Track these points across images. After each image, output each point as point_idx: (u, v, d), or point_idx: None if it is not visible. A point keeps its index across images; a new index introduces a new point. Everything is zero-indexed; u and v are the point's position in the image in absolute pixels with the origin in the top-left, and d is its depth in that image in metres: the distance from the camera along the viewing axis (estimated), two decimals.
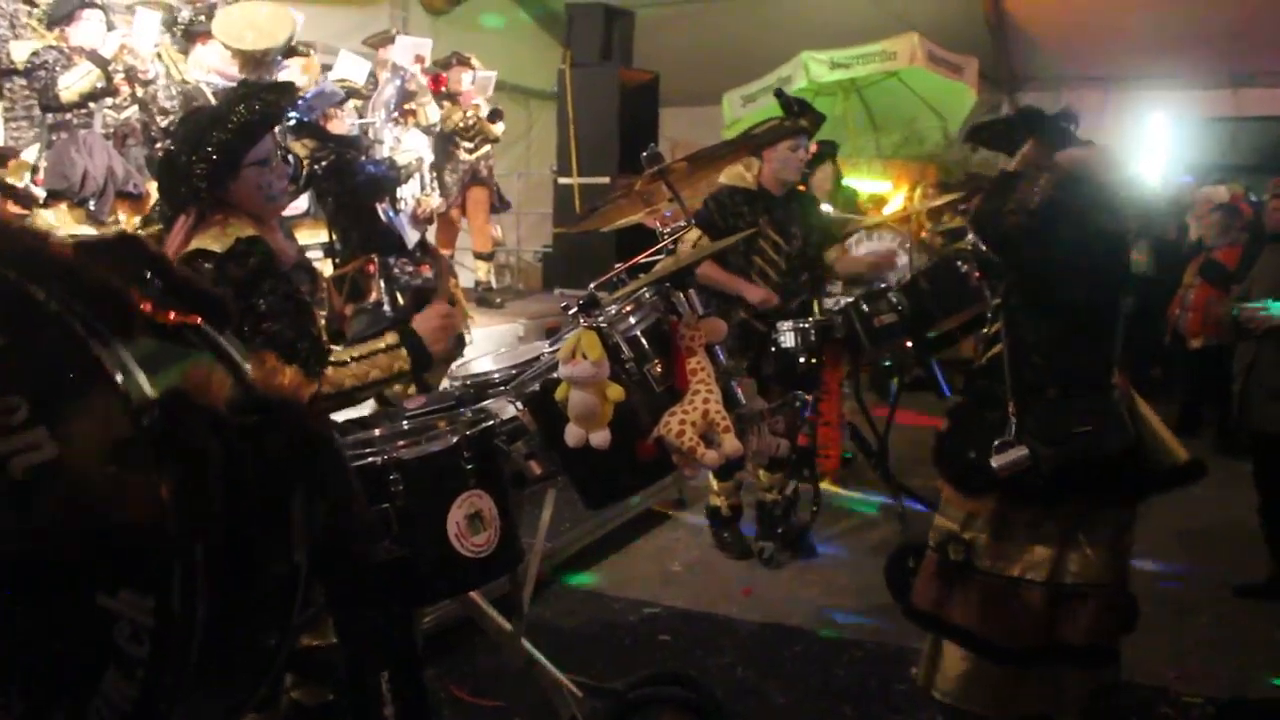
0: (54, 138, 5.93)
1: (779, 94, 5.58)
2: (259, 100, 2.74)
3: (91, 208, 5.87)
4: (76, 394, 1.55)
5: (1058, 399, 3.13)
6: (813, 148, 6.73)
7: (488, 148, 8.59)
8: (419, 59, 7.86)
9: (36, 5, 6.15)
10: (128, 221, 5.99)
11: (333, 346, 2.84)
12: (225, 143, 2.67)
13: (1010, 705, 3.24)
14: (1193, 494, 6.55)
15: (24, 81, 5.99)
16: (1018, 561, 3.19)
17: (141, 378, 1.55)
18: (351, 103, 7.19)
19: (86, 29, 6.01)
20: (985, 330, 3.49)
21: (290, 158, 5.85)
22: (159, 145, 6.10)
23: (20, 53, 5.94)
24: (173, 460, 1.53)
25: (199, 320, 1.73)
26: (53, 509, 1.57)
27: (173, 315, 1.67)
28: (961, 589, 3.26)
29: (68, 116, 5.94)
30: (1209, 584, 5.17)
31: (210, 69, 6.37)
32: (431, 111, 8.01)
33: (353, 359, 2.69)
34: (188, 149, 2.69)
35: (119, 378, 1.54)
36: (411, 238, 6.12)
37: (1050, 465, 3.06)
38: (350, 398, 2.71)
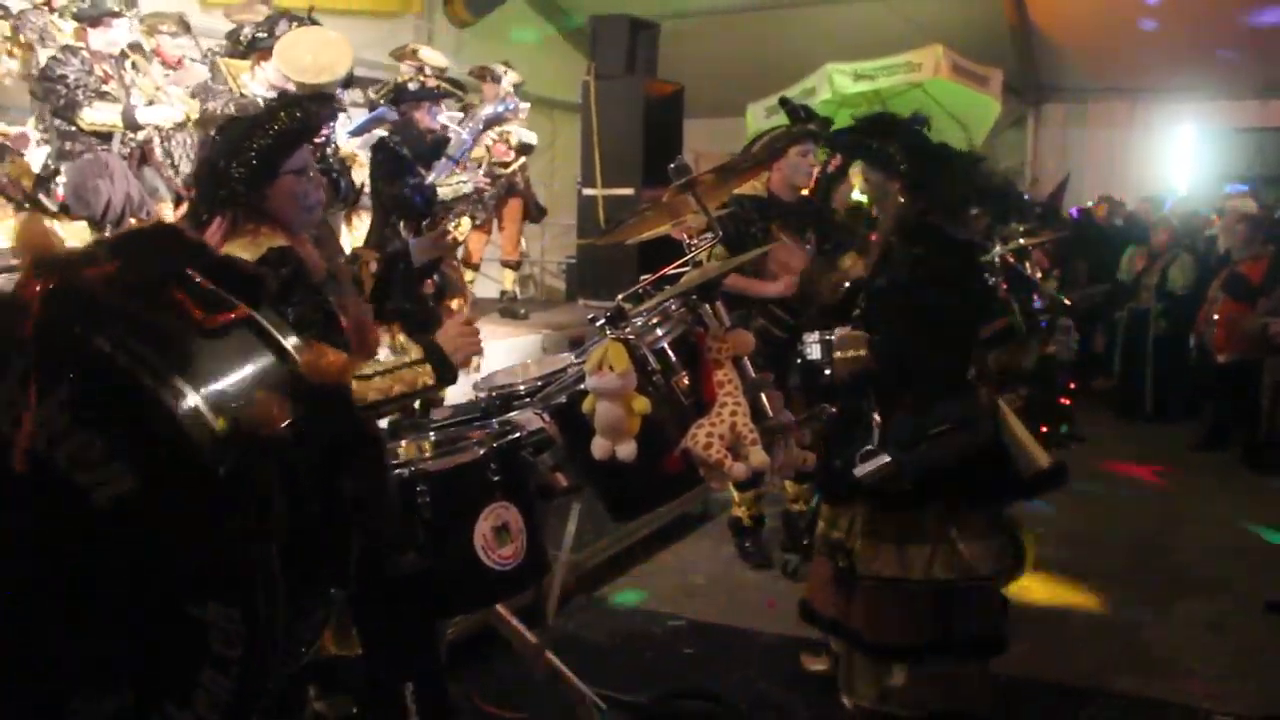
0: (66, 146, 5.98)
1: (783, 102, 5.59)
2: (301, 109, 2.77)
3: (108, 233, 5.93)
4: (147, 433, 1.65)
5: (916, 404, 3.23)
6: (836, 161, 6.72)
7: (523, 159, 8.64)
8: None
9: (55, 10, 6.21)
10: None
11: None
12: (265, 148, 2.69)
13: (919, 704, 3.38)
14: (1220, 509, 6.53)
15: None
16: (893, 563, 3.31)
17: (207, 412, 1.65)
18: (448, 103, 7.17)
19: (110, 35, 6.06)
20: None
21: (341, 181, 5.89)
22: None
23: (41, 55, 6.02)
24: (241, 490, 1.63)
25: (245, 312, 1.79)
26: (135, 534, 1.68)
27: (222, 318, 1.74)
28: (852, 595, 3.41)
29: (69, 128, 6.01)
30: (1239, 600, 5.12)
31: (270, 85, 6.40)
32: (525, 134, 8.18)
33: (377, 373, 2.68)
34: (228, 153, 2.71)
35: (185, 416, 1.65)
36: (419, 258, 6.11)
37: (912, 470, 3.16)
38: (374, 411, 2.71)
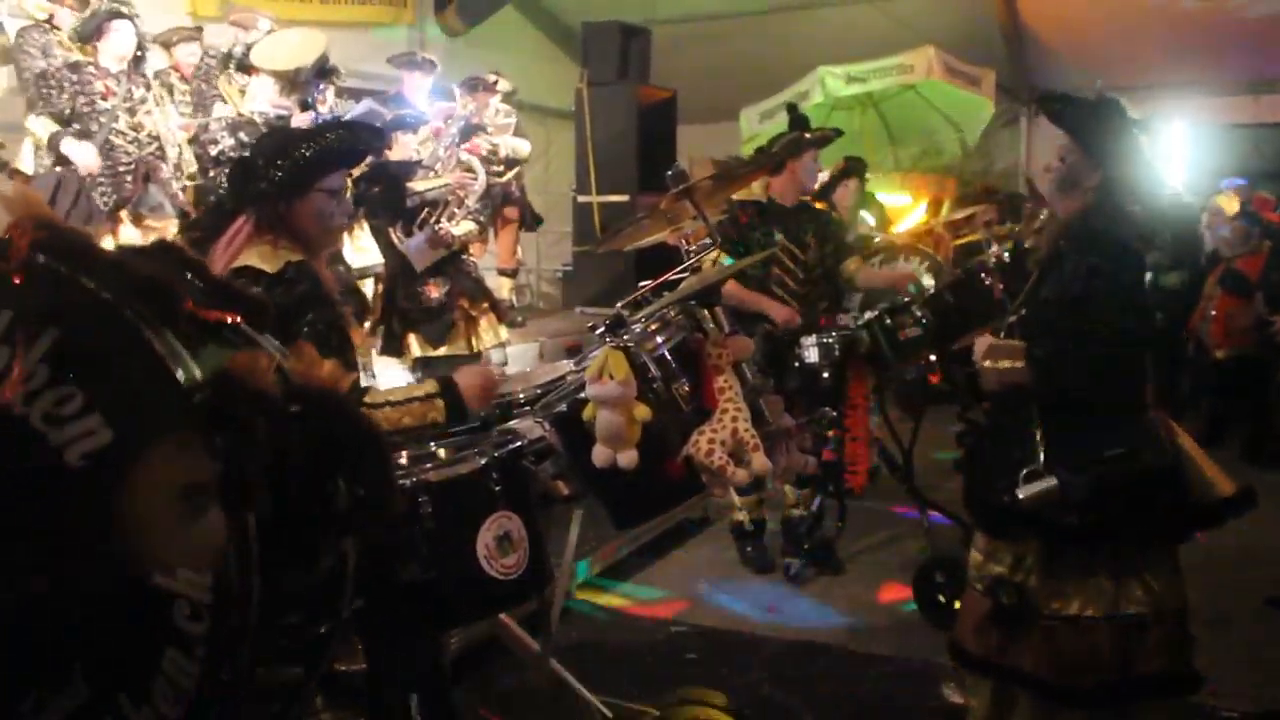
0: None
1: (790, 108, 5.62)
2: (352, 134, 2.81)
3: None
4: (128, 378, 1.62)
5: (1088, 425, 2.99)
6: (839, 165, 6.77)
7: (518, 168, 8.64)
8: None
9: (58, 29, 6.22)
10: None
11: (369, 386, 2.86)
12: (308, 159, 2.71)
13: None
14: None
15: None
16: (1075, 599, 3.03)
17: (189, 361, 1.60)
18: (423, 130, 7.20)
19: (117, 41, 6.08)
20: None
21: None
22: (212, 173, 6.19)
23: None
24: (222, 436, 1.57)
25: (238, 319, 1.77)
26: (109, 493, 1.62)
27: (214, 314, 1.72)
28: (1023, 635, 3.08)
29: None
30: (1241, 597, 5.11)
31: (265, 101, 6.43)
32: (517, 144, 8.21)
33: (388, 402, 2.68)
34: (270, 154, 2.72)
35: (169, 360, 1.59)
36: (420, 261, 6.15)
37: (1081, 493, 2.92)
38: None
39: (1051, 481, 2.93)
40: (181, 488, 1.57)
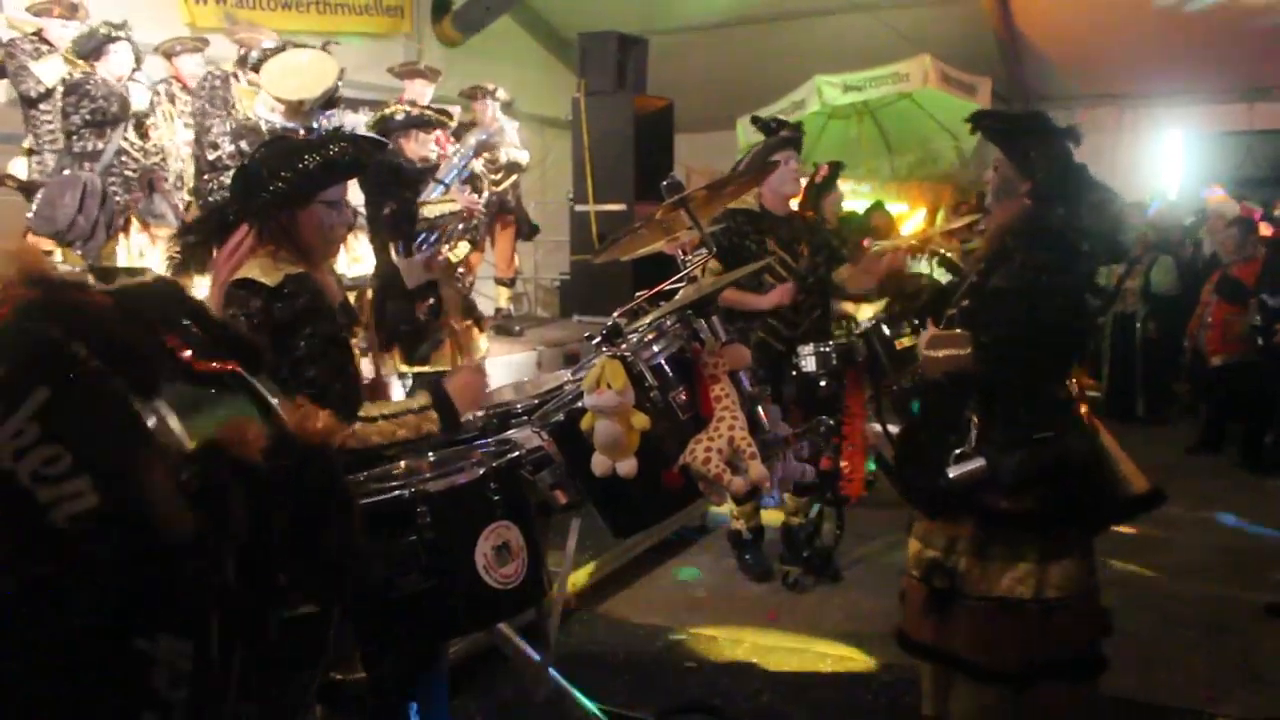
0: (65, 163, 6.07)
1: (754, 120, 5.65)
2: (355, 146, 2.82)
3: (78, 251, 6.01)
4: (117, 445, 1.60)
5: (1021, 411, 3.14)
6: (823, 171, 6.76)
7: (515, 177, 8.67)
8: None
9: (50, 44, 6.27)
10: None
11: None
12: (307, 171, 2.72)
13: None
14: (1218, 511, 6.54)
15: (48, 114, 6.14)
16: (1003, 581, 3.16)
17: (178, 428, 1.60)
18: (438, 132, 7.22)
19: (115, 62, 6.17)
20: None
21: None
22: (205, 176, 6.22)
23: (48, 75, 6.09)
24: (208, 508, 1.57)
25: (235, 366, 1.77)
26: (93, 555, 1.61)
27: (211, 365, 1.72)
28: (955, 618, 3.23)
29: (87, 146, 6.07)
30: (1239, 602, 5.13)
31: (273, 108, 6.45)
32: (515, 153, 8.21)
33: (382, 416, 2.70)
34: (273, 164, 2.73)
35: (157, 430, 1.59)
36: (413, 281, 6.15)
37: (1008, 474, 3.06)
38: (376, 454, 2.72)
39: (980, 462, 3.07)
40: (162, 554, 1.58)
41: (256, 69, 6.56)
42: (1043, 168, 3.19)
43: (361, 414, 2.68)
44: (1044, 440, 3.08)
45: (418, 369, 5.94)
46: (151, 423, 1.59)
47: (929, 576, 3.25)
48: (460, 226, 6.40)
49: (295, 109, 6.26)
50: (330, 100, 6.67)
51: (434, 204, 6.30)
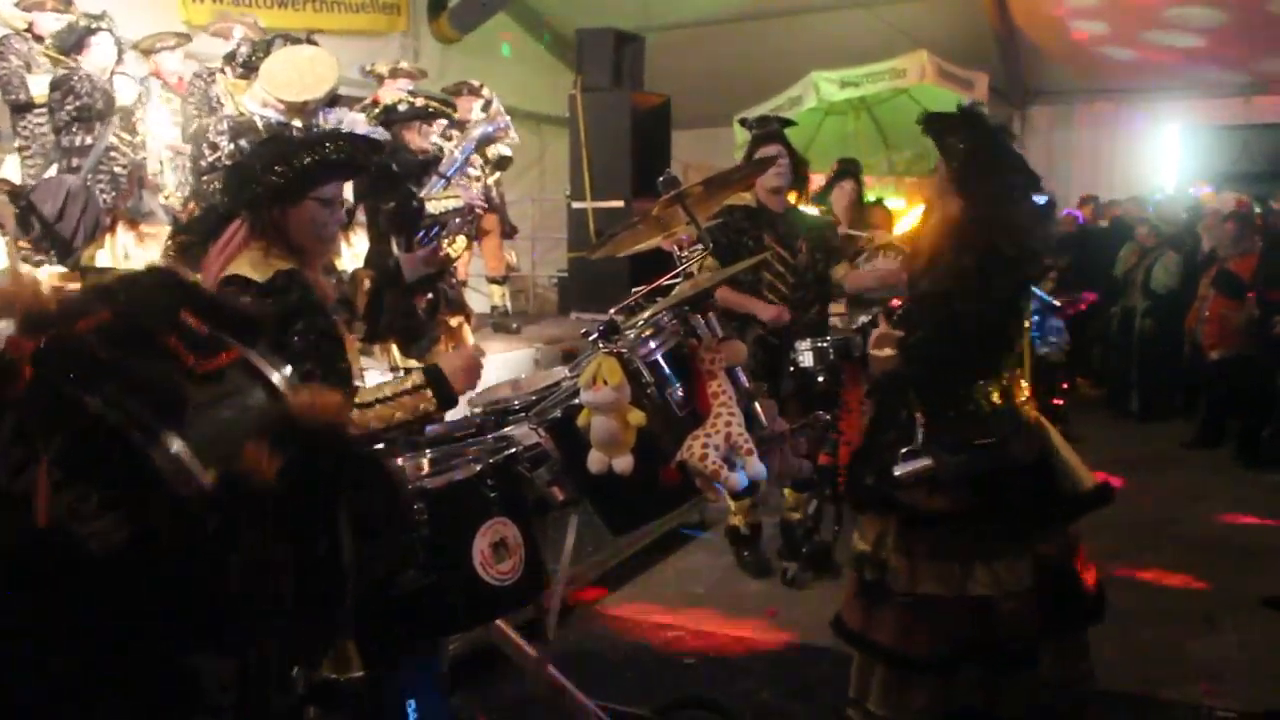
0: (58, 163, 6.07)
1: (742, 121, 5.66)
2: (353, 146, 2.81)
3: (54, 261, 6.03)
4: (138, 486, 1.65)
5: (962, 414, 3.19)
6: (833, 166, 6.76)
7: (499, 173, 8.64)
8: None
9: (42, 40, 6.25)
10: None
11: (357, 384, 2.86)
12: (303, 168, 2.71)
13: (944, 708, 3.32)
14: (1216, 505, 6.54)
15: (40, 119, 6.13)
16: (926, 579, 3.23)
17: (195, 465, 1.64)
18: (441, 122, 7.21)
19: (98, 54, 6.15)
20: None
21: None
22: (205, 178, 6.22)
23: (39, 88, 6.07)
24: (235, 539, 1.62)
25: (238, 354, 1.79)
26: (127, 585, 1.67)
27: (215, 363, 1.74)
28: (880, 609, 3.32)
29: (75, 141, 6.06)
30: (1236, 596, 5.13)
31: (266, 103, 6.44)
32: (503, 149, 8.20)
33: (377, 400, 2.69)
34: (267, 159, 2.73)
35: (173, 471, 1.64)
36: (411, 274, 6.12)
37: (952, 473, 3.12)
38: (375, 439, 2.72)
39: (927, 461, 3.14)
40: (197, 582, 1.62)
41: (245, 66, 6.53)
42: (959, 161, 3.25)
43: (357, 400, 2.68)
44: (985, 445, 3.15)
45: (414, 364, 5.93)
46: (169, 464, 1.64)
47: (859, 567, 3.37)
48: (458, 221, 6.40)
49: (298, 109, 6.25)
50: (333, 100, 6.66)
51: (438, 199, 6.30)
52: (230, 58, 6.80)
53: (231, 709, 1.66)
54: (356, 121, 6.60)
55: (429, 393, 2.72)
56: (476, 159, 8.14)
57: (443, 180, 6.39)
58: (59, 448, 1.63)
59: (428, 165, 6.35)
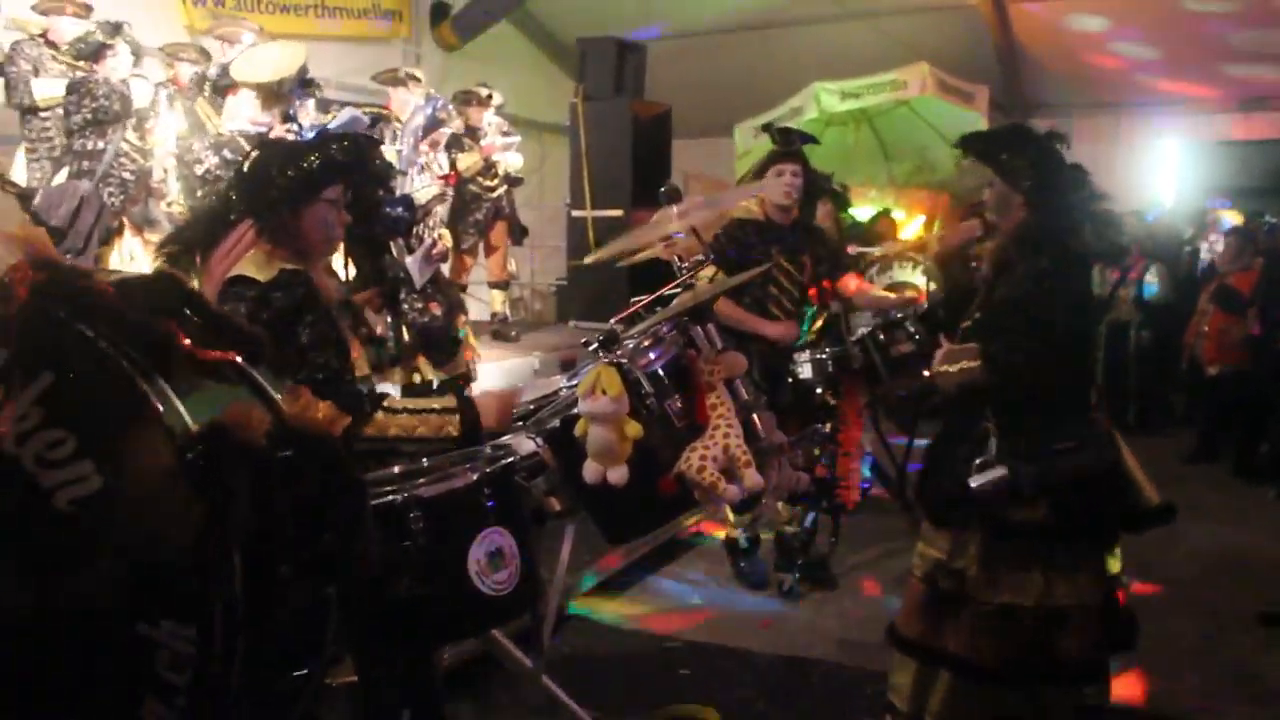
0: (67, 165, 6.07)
1: (767, 127, 5.61)
2: (360, 147, 2.87)
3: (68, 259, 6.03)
4: (121, 427, 1.61)
5: (1040, 422, 3.17)
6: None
7: (504, 188, 8.65)
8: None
9: (58, 48, 6.27)
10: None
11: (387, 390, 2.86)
12: (315, 168, 2.75)
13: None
14: (1214, 522, 6.52)
15: (47, 122, 6.14)
16: (1006, 588, 3.20)
17: (184, 411, 1.60)
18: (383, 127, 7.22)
19: (114, 64, 6.19)
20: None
21: None
22: (200, 193, 6.23)
23: (43, 90, 6.09)
24: (213, 491, 1.57)
25: (236, 357, 1.77)
26: (95, 540, 1.62)
27: (212, 353, 1.72)
28: (953, 618, 3.29)
29: (88, 145, 6.06)
30: (1233, 612, 5.12)
31: (245, 119, 6.46)
32: (512, 159, 8.21)
33: (406, 410, 2.68)
34: (280, 162, 2.75)
35: (162, 411, 1.59)
36: (421, 276, 6.14)
37: (1030, 483, 3.09)
38: (391, 446, 2.70)
39: (1002, 471, 3.10)
40: (166, 539, 1.57)
41: (219, 88, 6.59)
42: (1028, 176, 3.24)
43: (385, 405, 2.67)
44: (1065, 451, 3.11)
45: (444, 377, 5.95)
46: (158, 404, 1.59)
47: (932, 577, 3.32)
48: (439, 208, 6.41)
49: (273, 94, 6.28)
50: (305, 82, 6.68)
51: (419, 192, 6.34)
52: (201, 81, 6.83)
53: (184, 690, 1.61)
54: (356, 118, 6.61)
55: (457, 418, 2.71)
56: (481, 172, 8.14)
57: (405, 176, 6.44)
58: (42, 388, 1.59)
59: (389, 169, 6.39)
